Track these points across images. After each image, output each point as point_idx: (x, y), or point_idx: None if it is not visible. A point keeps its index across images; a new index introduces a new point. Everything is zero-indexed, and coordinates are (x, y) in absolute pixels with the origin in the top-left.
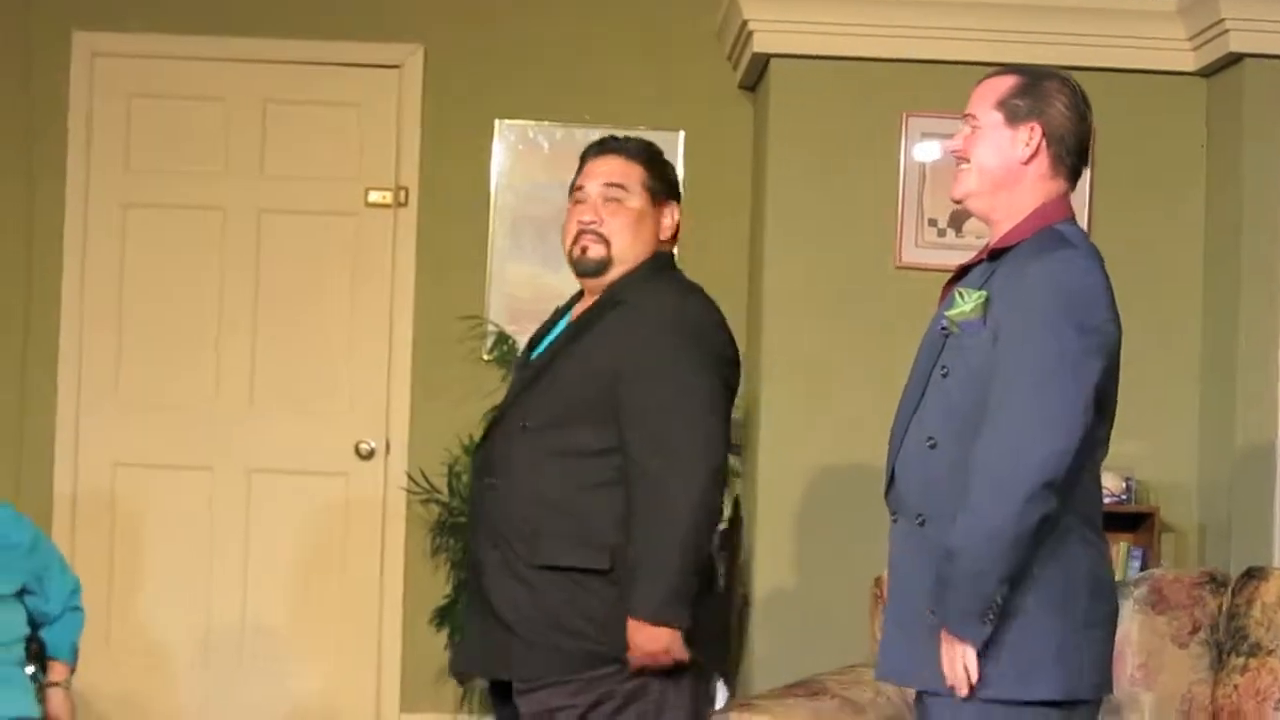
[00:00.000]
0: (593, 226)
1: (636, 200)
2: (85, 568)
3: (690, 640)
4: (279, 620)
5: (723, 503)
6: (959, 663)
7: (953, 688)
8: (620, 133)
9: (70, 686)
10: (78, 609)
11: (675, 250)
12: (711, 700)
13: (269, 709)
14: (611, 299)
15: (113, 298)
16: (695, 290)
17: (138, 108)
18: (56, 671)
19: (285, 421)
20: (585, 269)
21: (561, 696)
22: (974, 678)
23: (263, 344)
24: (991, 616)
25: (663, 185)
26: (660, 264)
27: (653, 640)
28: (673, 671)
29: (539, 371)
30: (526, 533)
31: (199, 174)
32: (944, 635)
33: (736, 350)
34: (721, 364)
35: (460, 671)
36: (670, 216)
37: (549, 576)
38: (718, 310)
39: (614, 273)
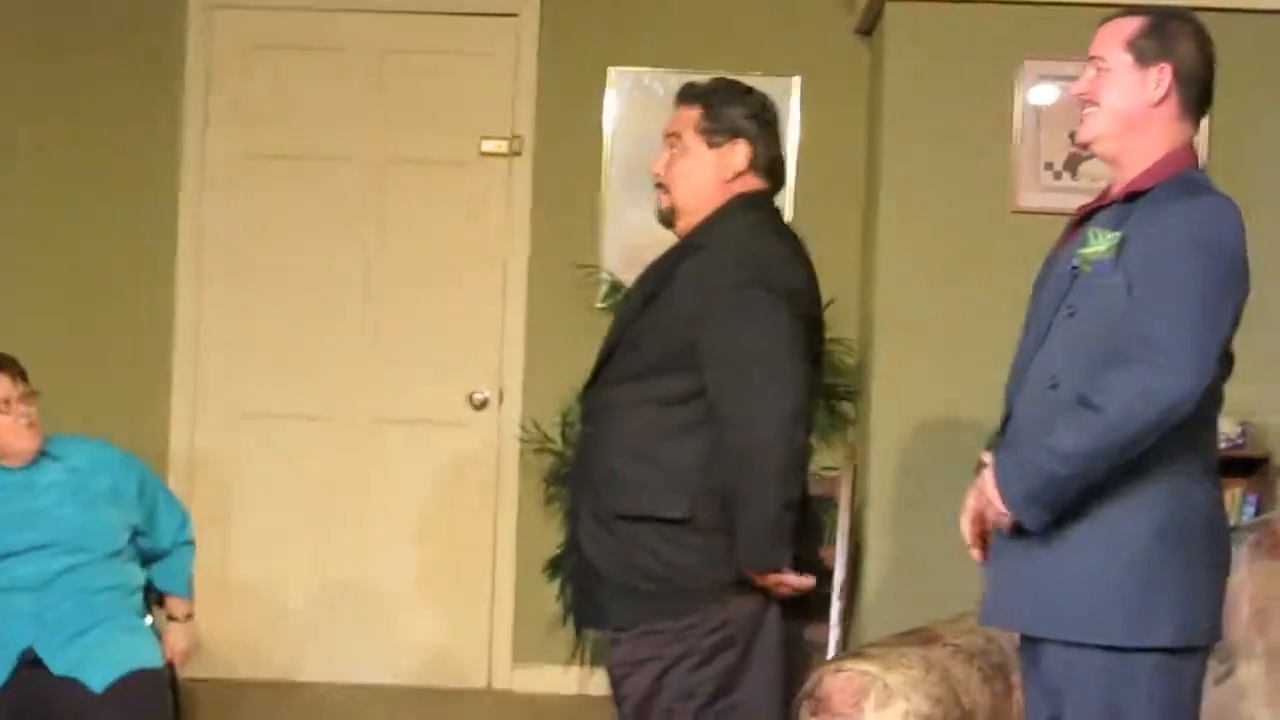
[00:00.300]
0: (659, 178)
1: (690, 145)
2: (204, 517)
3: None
4: (395, 569)
5: (808, 440)
6: (998, 509)
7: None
8: (736, 79)
9: (192, 619)
10: (189, 543)
11: (764, 185)
12: (809, 648)
13: (384, 657)
14: (689, 244)
15: (230, 249)
16: (768, 226)
17: (255, 58)
18: (176, 606)
19: (402, 372)
20: (659, 220)
21: (646, 648)
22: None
23: (379, 294)
24: (1057, 509)
25: (720, 124)
26: (738, 204)
27: (766, 581)
28: (759, 624)
29: (628, 320)
30: (611, 481)
31: (316, 124)
32: (998, 492)
33: (813, 283)
34: (795, 299)
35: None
36: (735, 155)
37: (631, 526)
38: (791, 243)
39: (684, 220)
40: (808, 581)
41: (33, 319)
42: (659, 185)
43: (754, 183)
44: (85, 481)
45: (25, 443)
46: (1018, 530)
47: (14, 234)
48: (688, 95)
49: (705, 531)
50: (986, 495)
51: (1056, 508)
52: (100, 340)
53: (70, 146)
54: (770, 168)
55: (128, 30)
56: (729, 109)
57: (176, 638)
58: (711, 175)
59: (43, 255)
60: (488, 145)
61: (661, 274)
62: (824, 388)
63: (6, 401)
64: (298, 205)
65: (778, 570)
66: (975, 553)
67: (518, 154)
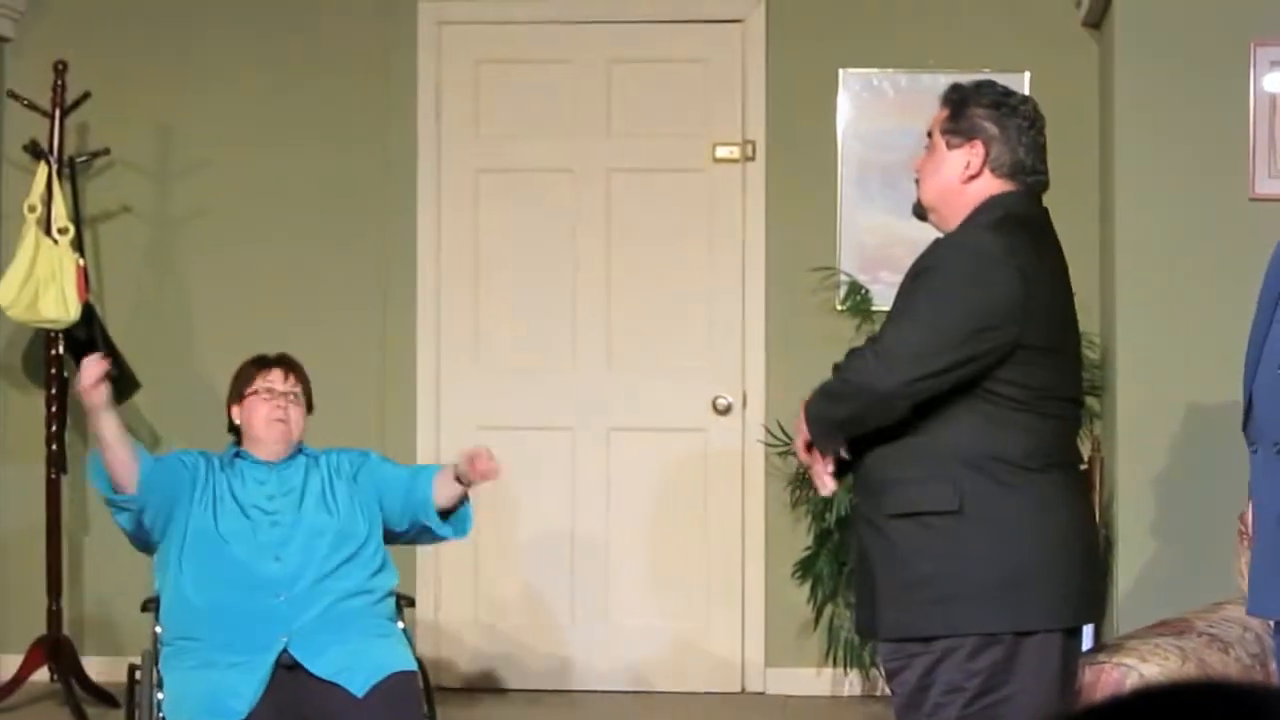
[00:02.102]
0: (915, 174)
1: (937, 145)
2: None
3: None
4: (644, 575)
5: (897, 410)
6: None
7: None
8: (964, 77)
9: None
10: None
11: (1010, 186)
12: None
13: (638, 662)
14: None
15: (468, 262)
16: (1005, 228)
17: (485, 73)
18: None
19: (643, 380)
20: (913, 212)
21: (916, 643)
22: None
23: (617, 303)
24: None
25: (960, 126)
26: (985, 207)
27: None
28: (1034, 634)
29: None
30: (876, 483)
31: (548, 136)
32: None
33: (1038, 295)
34: (997, 297)
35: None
36: (972, 156)
37: (898, 524)
38: (1019, 250)
39: (933, 215)
40: (828, 483)
41: (284, 336)
42: (916, 180)
43: (996, 184)
44: (333, 485)
45: (272, 434)
46: None
47: (261, 253)
48: (944, 96)
49: (975, 520)
50: None
51: None
52: (350, 355)
53: (310, 166)
54: (1015, 169)
55: (360, 48)
56: (972, 111)
57: (478, 462)
58: (950, 174)
59: (291, 274)
60: (721, 151)
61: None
62: (1075, 381)
63: (270, 390)
64: (532, 217)
65: (820, 451)
66: None
67: (750, 159)
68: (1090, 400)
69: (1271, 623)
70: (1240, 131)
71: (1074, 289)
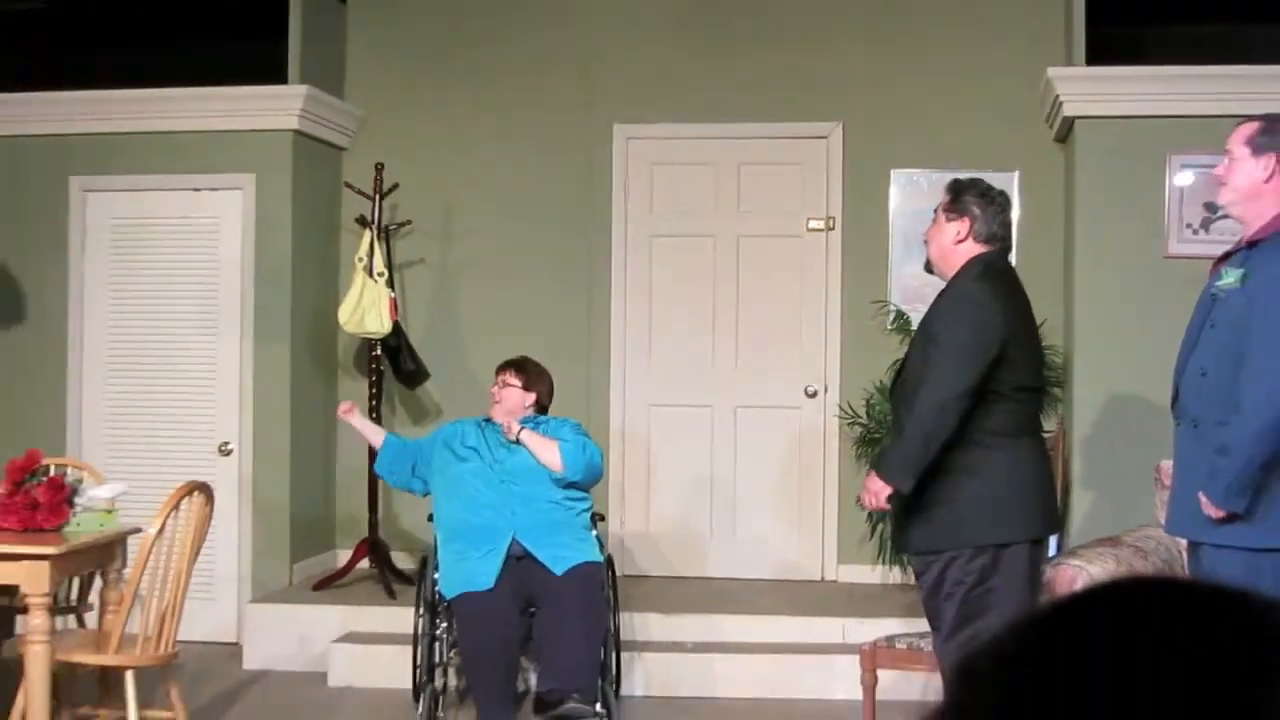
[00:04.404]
0: (926, 239)
1: (939, 219)
2: (633, 473)
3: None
4: (760, 504)
5: (951, 419)
6: (1212, 515)
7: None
8: (972, 175)
9: (525, 434)
10: (573, 445)
11: (987, 249)
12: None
13: (757, 563)
14: (941, 293)
15: (644, 295)
16: (987, 277)
17: (658, 173)
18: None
19: (759, 374)
20: (924, 267)
21: (931, 553)
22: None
23: (743, 323)
24: (1249, 492)
25: (956, 207)
26: (972, 263)
27: (872, 486)
28: (1005, 541)
29: (910, 348)
30: None
31: (697, 214)
32: (1205, 502)
33: (1015, 314)
34: (989, 329)
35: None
36: (961, 227)
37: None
38: (999, 286)
39: (937, 268)
40: (883, 506)
41: (522, 345)
42: (926, 243)
43: (977, 247)
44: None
45: (494, 410)
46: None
47: (508, 290)
48: (947, 186)
49: (970, 472)
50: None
51: (1245, 486)
52: (567, 356)
53: (541, 233)
54: (989, 237)
55: (577, 157)
56: (964, 197)
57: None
58: (945, 239)
59: (528, 304)
60: (812, 224)
61: (924, 317)
62: (1036, 376)
63: (503, 384)
64: (687, 267)
65: (890, 487)
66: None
67: (832, 229)
68: (1055, 390)
69: (1183, 543)
70: (1158, 212)
71: (1045, 314)
